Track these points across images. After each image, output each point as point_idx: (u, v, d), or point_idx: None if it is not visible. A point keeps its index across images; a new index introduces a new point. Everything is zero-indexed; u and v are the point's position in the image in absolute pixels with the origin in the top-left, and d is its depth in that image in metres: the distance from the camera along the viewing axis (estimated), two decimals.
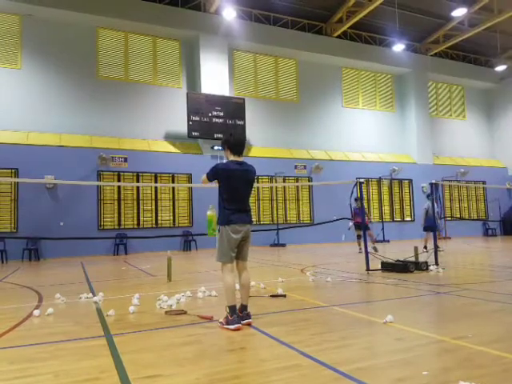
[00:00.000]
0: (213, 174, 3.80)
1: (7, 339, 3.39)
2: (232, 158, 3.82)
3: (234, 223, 3.66)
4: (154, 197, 14.74)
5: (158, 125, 15.27)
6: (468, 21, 18.24)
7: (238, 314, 3.58)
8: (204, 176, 3.89)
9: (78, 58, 14.43)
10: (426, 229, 11.26)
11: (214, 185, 3.90)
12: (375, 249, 11.06)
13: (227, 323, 3.52)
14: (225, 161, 3.90)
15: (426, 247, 10.97)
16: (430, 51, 20.45)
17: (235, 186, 3.74)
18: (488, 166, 21.59)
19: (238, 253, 3.77)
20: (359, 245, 11.84)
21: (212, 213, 4.03)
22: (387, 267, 7.11)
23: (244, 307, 3.69)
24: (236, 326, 3.47)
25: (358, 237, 11.95)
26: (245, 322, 3.60)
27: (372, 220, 11.29)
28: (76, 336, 3.41)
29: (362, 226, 11.66)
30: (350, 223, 11.84)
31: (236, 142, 3.83)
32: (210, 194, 15.25)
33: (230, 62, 16.47)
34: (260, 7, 16.94)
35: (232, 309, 3.55)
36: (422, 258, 7.78)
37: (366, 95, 19.71)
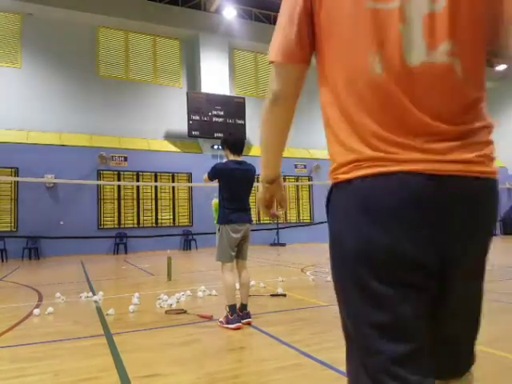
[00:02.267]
0: (213, 174, 3.82)
1: (7, 338, 3.39)
2: (232, 157, 3.82)
3: (234, 222, 3.67)
4: (154, 196, 14.74)
5: (158, 124, 15.27)
6: None
7: (238, 314, 3.58)
8: (205, 175, 3.91)
9: (78, 57, 14.42)
10: None
11: (215, 184, 3.92)
12: None
13: (227, 322, 3.51)
14: (225, 160, 3.91)
15: None
16: None
17: (234, 185, 3.75)
18: None
19: (237, 252, 3.77)
20: None
21: (217, 200, 4.03)
22: None
23: (244, 306, 3.69)
24: (236, 325, 3.47)
25: None
26: (245, 321, 3.60)
27: None
28: (76, 335, 3.41)
29: None
30: None
31: (235, 142, 3.84)
32: (211, 194, 15.20)
33: (230, 61, 16.46)
34: (260, 6, 16.93)
35: (232, 308, 3.54)
36: None
37: None
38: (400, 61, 0.87)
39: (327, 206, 1.00)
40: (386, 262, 0.86)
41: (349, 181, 0.91)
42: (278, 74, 1.05)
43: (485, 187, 0.94)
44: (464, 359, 1.02)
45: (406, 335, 0.86)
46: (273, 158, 1.19)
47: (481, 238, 0.95)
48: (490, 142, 0.99)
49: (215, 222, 3.96)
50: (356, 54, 0.92)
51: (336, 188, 0.96)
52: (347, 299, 0.94)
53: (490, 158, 0.98)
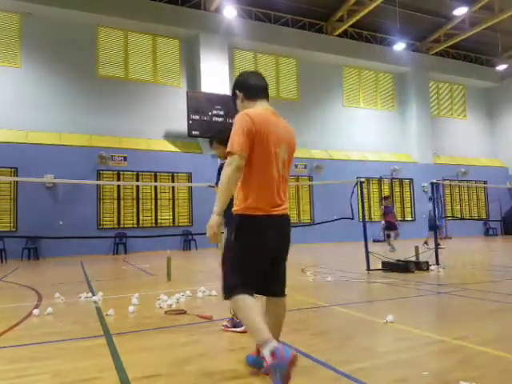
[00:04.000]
0: None
1: (6, 338, 3.38)
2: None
3: None
4: (153, 196, 14.73)
5: (157, 124, 15.26)
6: (469, 20, 18.21)
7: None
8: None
9: (78, 56, 14.41)
10: (430, 228, 12.29)
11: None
12: (392, 249, 11.04)
13: (233, 325, 3.42)
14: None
15: (426, 243, 11.80)
16: (431, 50, 20.42)
17: None
18: (489, 166, 21.57)
19: None
20: (389, 244, 11.71)
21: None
22: (388, 267, 7.09)
23: None
24: (243, 328, 3.37)
25: (388, 236, 11.81)
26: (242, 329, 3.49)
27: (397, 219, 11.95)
28: (75, 335, 3.40)
29: (391, 226, 11.55)
30: (383, 222, 11.71)
31: None
32: (210, 193, 15.16)
33: (230, 61, 16.44)
34: (260, 6, 16.91)
35: None
36: (423, 257, 7.77)
37: (366, 94, 19.68)
38: (279, 172, 2.32)
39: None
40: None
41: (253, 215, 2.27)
42: (240, 157, 2.22)
43: (287, 219, 2.40)
44: (281, 288, 2.43)
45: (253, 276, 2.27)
46: (228, 199, 2.22)
47: (287, 242, 2.41)
48: (286, 203, 2.41)
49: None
50: (268, 166, 2.28)
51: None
52: (240, 257, 2.25)
53: (287, 209, 2.40)
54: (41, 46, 13.97)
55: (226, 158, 3.56)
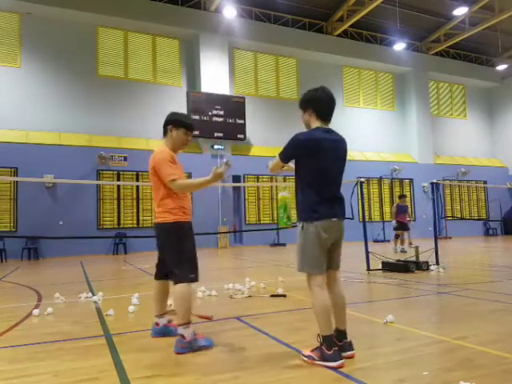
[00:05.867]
0: (292, 149, 2.75)
1: (6, 339, 3.38)
2: (316, 124, 2.79)
3: (326, 218, 2.71)
4: (153, 196, 14.69)
5: (157, 123, 15.14)
6: (469, 20, 18.20)
7: (336, 345, 2.62)
8: (275, 160, 2.85)
9: (77, 56, 14.39)
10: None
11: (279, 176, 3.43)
12: (403, 250, 10.80)
13: (323, 359, 2.56)
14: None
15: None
16: (431, 50, 20.42)
17: (325, 163, 2.73)
18: (489, 166, 21.57)
19: (329, 259, 2.80)
20: (395, 244, 11.37)
21: (286, 194, 3.12)
22: (388, 267, 7.09)
23: (342, 334, 2.74)
24: (339, 362, 2.52)
25: (397, 236, 11.43)
26: (348, 353, 2.67)
27: (411, 220, 11.50)
28: (75, 336, 3.40)
29: (404, 226, 11.13)
30: (393, 221, 11.43)
31: (326, 100, 2.76)
32: (210, 192, 15.23)
33: (230, 61, 16.44)
34: (260, 5, 16.91)
35: (328, 340, 2.59)
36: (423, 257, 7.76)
37: (366, 94, 19.67)
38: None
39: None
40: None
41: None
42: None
43: (160, 226, 3.26)
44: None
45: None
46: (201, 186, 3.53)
47: (161, 244, 3.36)
48: (166, 213, 3.27)
49: (282, 221, 3.11)
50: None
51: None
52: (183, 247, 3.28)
53: (158, 217, 3.27)
54: (41, 46, 13.96)
55: (310, 126, 2.84)
